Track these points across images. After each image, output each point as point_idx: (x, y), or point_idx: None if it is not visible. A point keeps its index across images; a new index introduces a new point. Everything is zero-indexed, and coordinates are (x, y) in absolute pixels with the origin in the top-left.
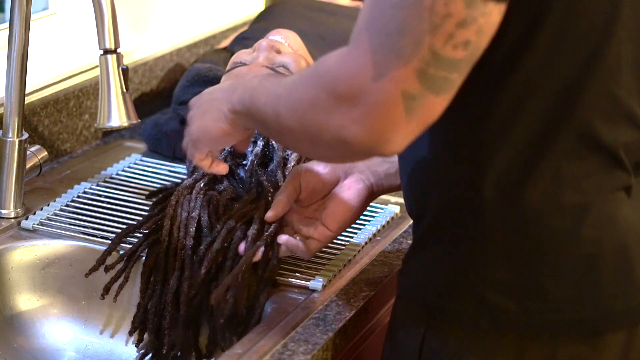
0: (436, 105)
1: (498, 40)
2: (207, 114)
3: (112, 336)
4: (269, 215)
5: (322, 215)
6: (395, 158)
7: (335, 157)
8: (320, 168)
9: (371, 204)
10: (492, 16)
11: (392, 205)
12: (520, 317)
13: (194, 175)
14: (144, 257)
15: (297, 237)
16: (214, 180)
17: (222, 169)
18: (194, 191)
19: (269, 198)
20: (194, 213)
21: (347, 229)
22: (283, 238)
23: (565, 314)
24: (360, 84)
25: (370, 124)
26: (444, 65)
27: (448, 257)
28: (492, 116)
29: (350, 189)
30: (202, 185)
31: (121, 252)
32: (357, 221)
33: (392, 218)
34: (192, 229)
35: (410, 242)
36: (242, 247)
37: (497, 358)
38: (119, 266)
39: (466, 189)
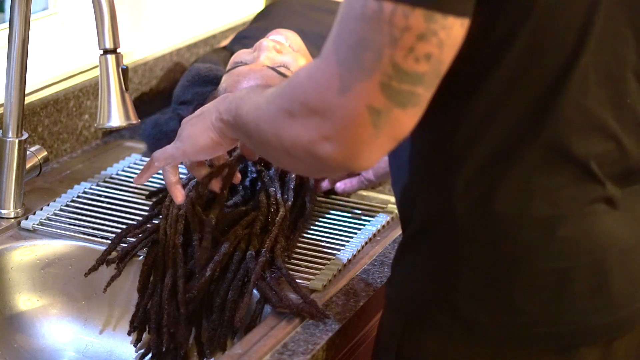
0: (405, 119)
1: (470, 52)
2: (197, 124)
3: (112, 336)
4: None
5: None
6: None
7: (311, 170)
8: None
9: (371, 204)
10: (454, 30)
11: (392, 206)
12: (492, 328)
13: (189, 174)
14: (141, 257)
15: None
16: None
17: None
18: (185, 189)
19: (270, 209)
20: (182, 210)
21: (347, 229)
22: (339, 186)
23: (536, 327)
24: (328, 98)
25: (340, 141)
26: (407, 78)
27: (424, 267)
28: (462, 128)
29: None
30: (194, 183)
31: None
32: (357, 221)
33: (392, 218)
34: (181, 226)
35: None
36: None
37: None
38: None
39: (440, 200)
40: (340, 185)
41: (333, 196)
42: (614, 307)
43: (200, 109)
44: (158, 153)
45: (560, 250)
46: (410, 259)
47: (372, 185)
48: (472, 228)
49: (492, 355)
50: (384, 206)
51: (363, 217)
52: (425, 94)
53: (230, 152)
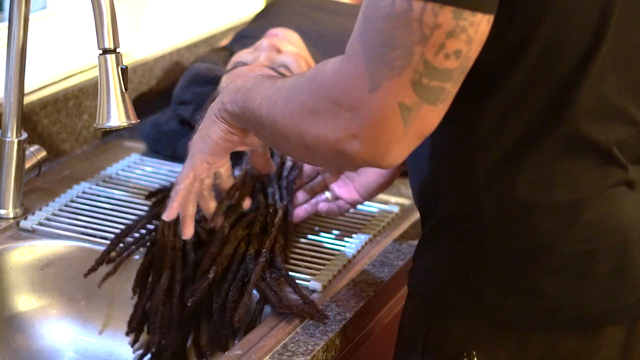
0: (433, 115)
1: (492, 46)
2: (202, 125)
3: (111, 337)
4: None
5: (356, 181)
6: None
7: (332, 165)
8: None
9: (371, 203)
10: (481, 26)
11: (392, 206)
12: (518, 314)
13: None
14: (138, 257)
15: (328, 195)
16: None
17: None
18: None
19: (268, 211)
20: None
21: (347, 229)
22: (324, 207)
23: (562, 311)
24: (357, 96)
25: (370, 138)
26: (438, 75)
27: (449, 255)
28: (484, 121)
29: None
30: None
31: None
32: (357, 221)
33: (392, 218)
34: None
35: (409, 242)
36: None
37: (498, 350)
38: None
39: (464, 191)
40: (324, 206)
41: None
42: (636, 286)
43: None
44: (178, 177)
45: (584, 234)
46: (434, 249)
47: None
48: (496, 217)
49: (518, 340)
50: (384, 206)
51: (363, 217)
52: (452, 89)
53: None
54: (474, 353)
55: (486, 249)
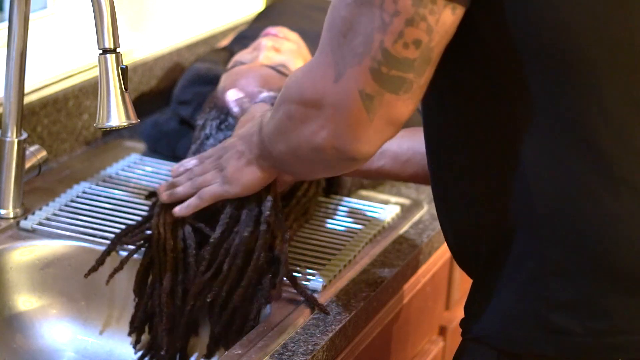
0: (398, 104)
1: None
2: (242, 158)
3: (111, 336)
4: None
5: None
6: None
7: (324, 170)
8: None
9: (371, 203)
10: (443, 15)
11: (392, 206)
12: (586, 339)
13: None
14: (135, 256)
15: None
16: None
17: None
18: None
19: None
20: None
21: (348, 229)
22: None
23: (633, 335)
24: (322, 87)
25: (335, 126)
26: (397, 64)
27: (509, 286)
28: (537, 142)
29: None
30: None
31: (120, 252)
32: (357, 221)
33: (392, 218)
34: (176, 232)
35: (409, 242)
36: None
37: None
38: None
39: (518, 211)
40: None
41: (333, 196)
42: None
43: (236, 142)
44: (204, 193)
45: None
46: (490, 284)
47: None
48: (557, 232)
49: None
50: (384, 206)
51: (363, 217)
52: (417, 79)
53: None
54: None
55: (547, 269)
